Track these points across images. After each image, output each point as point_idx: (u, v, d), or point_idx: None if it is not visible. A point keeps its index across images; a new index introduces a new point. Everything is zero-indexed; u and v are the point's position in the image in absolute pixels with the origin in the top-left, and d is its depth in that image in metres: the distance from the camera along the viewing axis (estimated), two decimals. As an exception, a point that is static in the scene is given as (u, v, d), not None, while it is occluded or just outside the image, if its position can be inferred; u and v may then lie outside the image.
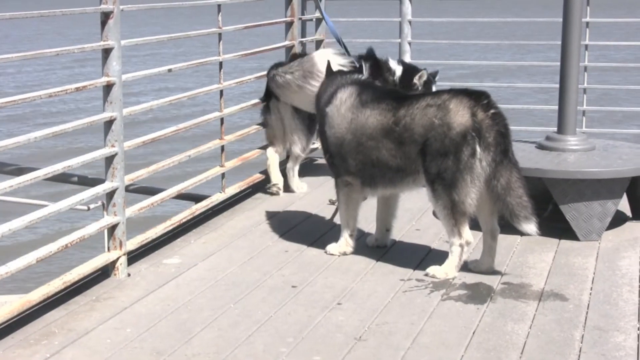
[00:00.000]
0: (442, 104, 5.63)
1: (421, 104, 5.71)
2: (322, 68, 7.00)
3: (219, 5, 7.25)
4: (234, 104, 7.90)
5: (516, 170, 5.61)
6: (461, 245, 5.67)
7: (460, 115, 5.57)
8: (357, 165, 5.99)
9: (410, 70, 7.81)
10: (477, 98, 5.62)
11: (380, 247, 6.25)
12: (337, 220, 6.34)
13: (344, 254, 6.12)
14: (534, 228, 5.56)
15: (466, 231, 5.65)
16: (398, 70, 7.77)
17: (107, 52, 5.64)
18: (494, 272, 5.75)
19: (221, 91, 7.32)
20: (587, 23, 8.88)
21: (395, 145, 5.78)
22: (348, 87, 6.11)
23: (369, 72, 7.63)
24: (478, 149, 5.51)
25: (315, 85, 7.22)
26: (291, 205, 7.44)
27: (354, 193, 6.10)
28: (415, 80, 7.73)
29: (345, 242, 6.15)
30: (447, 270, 5.69)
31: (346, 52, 7.32)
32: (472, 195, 5.56)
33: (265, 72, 7.90)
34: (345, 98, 6.06)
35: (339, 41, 7.41)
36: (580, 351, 4.61)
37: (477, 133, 5.52)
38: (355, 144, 5.95)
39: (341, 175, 6.11)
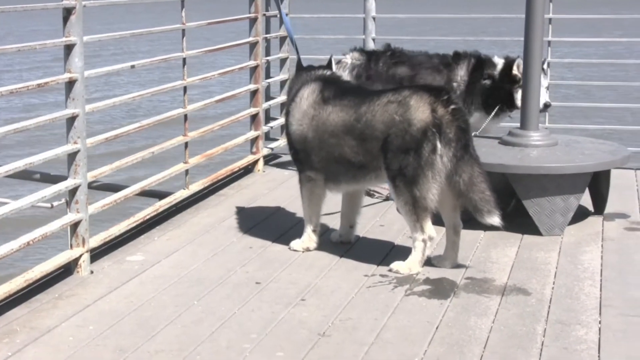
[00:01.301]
0: (403, 101, 5.64)
1: (382, 101, 5.72)
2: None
3: (182, 1, 7.23)
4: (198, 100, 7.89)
5: (477, 165, 5.64)
6: (424, 241, 5.68)
7: (420, 111, 5.58)
8: (320, 162, 6.00)
9: (509, 63, 7.54)
10: (438, 94, 5.64)
11: (344, 243, 6.25)
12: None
13: (308, 249, 6.12)
14: (497, 220, 5.59)
15: (429, 226, 5.67)
16: (500, 64, 7.57)
17: (69, 48, 5.60)
18: (458, 267, 5.78)
19: (185, 87, 7.29)
20: (550, 19, 8.92)
21: (357, 142, 5.79)
22: (311, 83, 6.11)
23: (468, 71, 7.60)
24: (439, 144, 5.53)
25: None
26: (255, 202, 7.43)
27: (317, 189, 6.10)
28: (515, 71, 7.45)
29: (309, 238, 6.15)
30: (410, 265, 5.71)
31: (296, 51, 7.27)
32: (433, 190, 5.57)
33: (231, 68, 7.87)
34: (307, 94, 6.06)
35: (291, 39, 7.38)
36: (542, 345, 4.63)
37: (438, 129, 5.53)
38: (317, 140, 5.96)
39: (304, 170, 6.11)
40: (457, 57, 7.64)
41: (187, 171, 7.27)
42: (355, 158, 5.82)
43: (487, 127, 7.57)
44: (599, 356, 4.51)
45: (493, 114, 7.43)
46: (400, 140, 5.59)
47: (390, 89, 5.88)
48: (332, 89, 6.01)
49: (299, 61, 6.44)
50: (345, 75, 7.47)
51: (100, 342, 4.64)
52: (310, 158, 6.04)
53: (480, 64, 7.60)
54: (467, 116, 5.68)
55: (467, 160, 5.58)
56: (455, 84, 7.50)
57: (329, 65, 6.35)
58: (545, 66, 7.48)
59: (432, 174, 5.55)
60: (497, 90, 7.45)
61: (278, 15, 9.06)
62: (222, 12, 9.09)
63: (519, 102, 7.31)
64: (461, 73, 7.54)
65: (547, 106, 7.45)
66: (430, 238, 5.69)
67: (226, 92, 8.54)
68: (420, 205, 5.59)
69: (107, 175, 6.30)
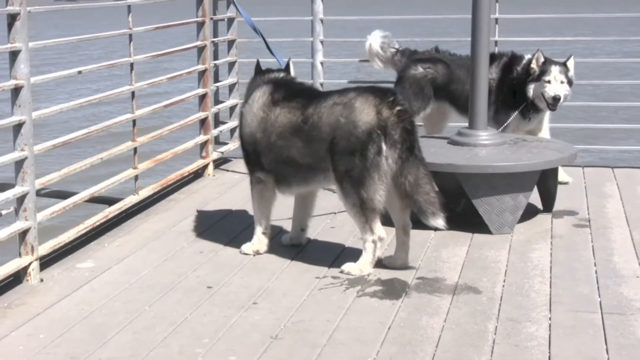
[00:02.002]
0: (348, 103, 5.65)
1: (328, 103, 5.73)
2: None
3: (129, 6, 7.19)
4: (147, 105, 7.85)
5: (423, 167, 5.66)
6: (374, 242, 5.70)
7: (365, 113, 5.59)
8: (270, 164, 6.00)
9: (532, 58, 7.63)
10: (383, 96, 5.65)
11: (295, 246, 6.25)
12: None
13: (258, 252, 6.12)
14: (441, 222, 5.61)
15: (378, 227, 5.68)
16: (525, 59, 7.66)
17: (14, 54, 5.56)
18: (408, 268, 5.80)
19: (133, 92, 7.25)
20: (497, 19, 8.98)
21: (304, 144, 5.80)
22: (263, 86, 6.12)
23: (499, 69, 7.69)
24: (384, 146, 5.55)
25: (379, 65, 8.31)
26: (206, 206, 7.41)
27: (267, 191, 6.10)
28: (533, 65, 7.51)
29: (259, 241, 6.15)
30: (361, 267, 5.72)
31: (265, 44, 7.26)
32: (380, 192, 5.58)
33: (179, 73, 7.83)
34: (258, 97, 6.07)
35: (256, 30, 7.36)
36: (493, 343, 4.66)
37: (383, 131, 5.55)
38: (266, 142, 5.96)
39: (255, 172, 6.11)
40: (492, 57, 7.69)
41: (136, 177, 7.24)
42: (303, 159, 5.83)
43: (521, 127, 7.70)
44: (549, 352, 4.54)
45: (518, 111, 7.54)
46: (346, 143, 5.61)
47: (337, 91, 5.89)
48: (282, 91, 6.01)
49: (257, 64, 6.43)
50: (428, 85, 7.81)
51: (51, 351, 4.60)
52: (260, 160, 6.04)
53: (511, 61, 7.72)
54: (413, 117, 5.69)
55: (413, 162, 5.60)
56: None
57: (287, 69, 6.35)
58: (570, 62, 7.57)
59: (378, 175, 5.56)
60: (520, 86, 7.57)
61: (226, 18, 9.04)
62: (175, 17, 9.05)
63: (530, 94, 7.50)
64: (493, 72, 7.59)
65: (556, 99, 7.46)
66: (380, 239, 5.71)
67: (175, 97, 8.50)
68: (368, 207, 5.60)
69: (56, 182, 6.24)
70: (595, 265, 5.88)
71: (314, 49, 9.19)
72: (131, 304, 5.25)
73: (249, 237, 6.26)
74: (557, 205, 7.14)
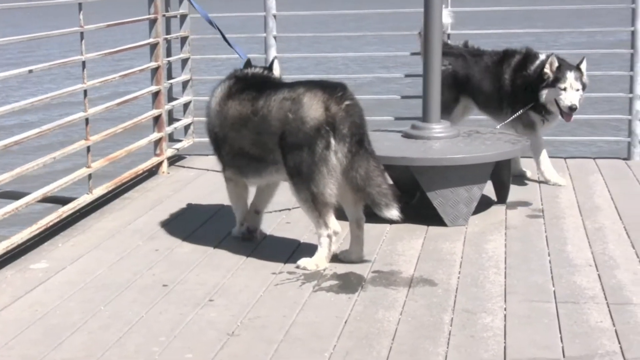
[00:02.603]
0: (297, 98, 5.65)
1: (278, 97, 5.73)
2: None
3: (80, 4, 7.14)
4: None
5: (373, 159, 5.66)
6: (329, 236, 5.70)
7: (313, 109, 5.59)
8: (227, 155, 6.05)
9: (546, 60, 7.51)
10: (332, 91, 5.66)
11: (250, 233, 6.22)
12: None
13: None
14: (396, 213, 5.61)
15: (332, 221, 5.69)
16: (539, 60, 7.58)
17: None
18: (364, 261, 5.81)
19: (85, 91, 7.21)
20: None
21: (254, 136, 5.82)
22: (226, 80, 6.17)
23: (512, 68, 7.64)
24: (332, 141, 5.55)
25: None
26: (160, 204, 7.38)
27: (237, 187, 6.24)
28: (546, 69, 7.38)
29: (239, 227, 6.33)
30: (317, 261, 5.72)
31: (223, 37, 7.23)
32: (330, 186, 5.59)
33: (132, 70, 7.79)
34: (218, 91, 6.12)
35: (212, 24, 7.33)
36: (449, 334, 4.69)
37: (331, 126, 5.55)
38: (222, 135, 6.01)
39: (223, 167, 6.23)
40: (506, 54, 7.74)
41: (90, 175, 7.19)
42: (253, 151, 5.86)
43: (541, 129, 7.69)
44: (504, 342, 4.57)
45: (520, 112, 7.53)
46: (294, 138, 5.61)
47: (289, 84, 5.89)
48: (240, 84, 6.04)
49: (247, 62, 6.41)
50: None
51: (4, 353, 4.56)
52: (221, 153, 6.11)
53: (525, 60, 7.66)
54: (362, 111, 5.69)
55: (363, 155, 5.60)
56: (501, 82, 7.68)
57: (270, 67, 6.36)
58: (583, 65, 7.47)
59: (327, 170, 5.56)
60: (529, 87, 7.54)
61: (178, 15, 9.01)
62: (127, 15, 9.00)
63: (542, 100, 7.44)
64: (507, 70, 7.60)
65: (572, 109, 7.37)
66: (335, 233, 5.72)
67: (128, 95, 8.47)
68: (319, 202, 5.61)
69: (8, 183, 6.19)
70: (549, 255, 5.93)
71: (267, 44, 9.17)
72: (86, 303, 5.22)
73: (204, 234, 6.25)
74: (511, 197, 7.19)
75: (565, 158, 8.72)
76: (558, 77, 7.40)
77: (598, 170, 8.31)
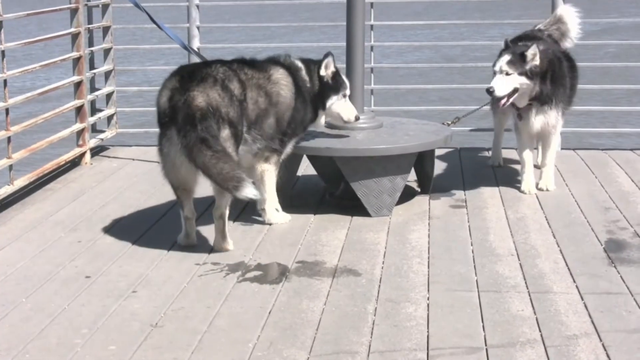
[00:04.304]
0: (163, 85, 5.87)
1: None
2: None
3: (-1, -7, 7.03)
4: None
5: (207, 148, 5.58)
6: (185, 218, 5.94)
7: (161, 95, 5.78)
8: None
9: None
10: (181, 78, 5.78)
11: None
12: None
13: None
14: (248, 192, 5.53)
15: (186, 208, 5.91)
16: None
17: None
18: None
19: (5, 81, 7.10)
20: (372, 4, 9.04)
21: None
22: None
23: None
24: (170, 131, 5.67)
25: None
26: (83, 195, 7.31)
27: None
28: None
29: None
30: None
31: (151, 19, 7.17)
32: (170, 175, 5.81)
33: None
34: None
35: (139, 7, 7.26)
36: (373, 324, 4.72)
37: (170, 116, 5.68)
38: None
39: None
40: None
41: (10, 166, 7.09)
42: None
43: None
44: (427, 332, 4.62)
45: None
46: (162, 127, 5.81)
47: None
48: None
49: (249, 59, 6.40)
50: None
51: None
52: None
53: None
54: (199, 102, 5.65)
55: (199, 147, 5.57)
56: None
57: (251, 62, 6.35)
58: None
59: (164, 160, 5.77)
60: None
61: (100, 4, 8.91)
62: (50, 4, 8.88)
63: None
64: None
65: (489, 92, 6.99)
66: (186, 218, 5.90)
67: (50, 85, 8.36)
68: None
69: None
70: (471, 245, 5.99)
71: (190, 35, 9.10)
72: (7, 296, 5.15)
73: (128, 225, 6.21)
74: (434, 187, 7.24)
75: (488, 149, 8.76)
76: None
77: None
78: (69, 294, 5.17)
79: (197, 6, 9.10)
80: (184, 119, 5.60)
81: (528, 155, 7.27)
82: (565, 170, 7.89)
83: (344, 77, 6.58)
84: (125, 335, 4.60)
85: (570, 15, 7.77)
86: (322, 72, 6.47)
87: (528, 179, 7.28)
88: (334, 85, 6.49)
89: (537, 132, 7.21)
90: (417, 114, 8.62)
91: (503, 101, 6.94)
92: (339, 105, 6.52)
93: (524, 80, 6.91)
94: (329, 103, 6.49)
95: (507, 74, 6.91)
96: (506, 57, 6.95)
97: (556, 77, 7.07)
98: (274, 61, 6.40)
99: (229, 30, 28.12)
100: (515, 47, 7.03)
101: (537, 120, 7.12)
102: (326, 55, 6.48)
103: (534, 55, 6.89)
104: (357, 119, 6.60)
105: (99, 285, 5.33)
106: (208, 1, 9.59)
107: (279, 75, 6.28)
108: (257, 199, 5.80)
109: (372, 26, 9.02)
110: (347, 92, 6.55)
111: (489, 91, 6.92)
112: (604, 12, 24.91)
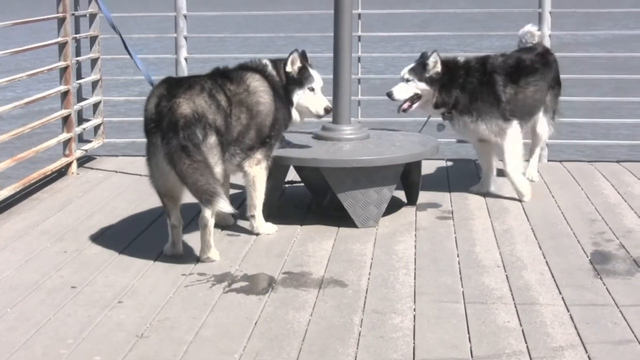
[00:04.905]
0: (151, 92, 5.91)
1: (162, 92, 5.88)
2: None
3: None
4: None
5: (187, 157, 5.58)
6: (172, 226, 5.94)
7: (149, 103, 5.81)
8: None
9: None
10: (169, 87, 5.81)
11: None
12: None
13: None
14: (220, 205, 5.53)
15: (173, 216, 5.92)
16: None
17: None
18: (276, 262, 5.81)
19: (-9, 90, 7.10)
20: (359, 15, 9.06)
21: None
22: None
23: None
24: (155, 138, 5.69)
25: None
26: (69, 205, 7.29)
27: None
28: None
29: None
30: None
31: (124, 44, 7.17)
32: (158, 182, 5.81)
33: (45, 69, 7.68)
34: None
35: (115, 29, 7.27)
36: (359, 335, 4.71)
37: (157, 123, 5.69)
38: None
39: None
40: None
41: (-4, 176, 7.09)
42: None
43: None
44: (414, 343, 4.61)
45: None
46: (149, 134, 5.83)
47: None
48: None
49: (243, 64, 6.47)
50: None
51: None
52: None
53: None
54: (184, 109, 5.66)
55: (179, 154, 5.59)
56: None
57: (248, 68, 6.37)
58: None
59: (152, 168, 5.79)
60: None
61: (87, 14, 8.91)
62: (38, 14, 8.87)
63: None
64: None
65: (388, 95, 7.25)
66: (173, 226, 5.91)
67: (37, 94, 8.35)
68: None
69: None
70: (458, 256, 5.99)
71: (178, 45, 9.11)
72: (-8, 305, 5.14)
73: (114, 236, 6.19)
74: (421, 198, 7.24)
75: (475, 160, 8.74)
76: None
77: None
78: (54, 304, 5.15)
79: (185, 16, 9.10)
80: (167, 126, 5.62)
81: (482, 160, 7.66)
82: (552, 182, 7.91)
83: (311, 71, 6.56)
84: (111, 346, 4.59)
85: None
86: (289, 68, 6.49)
87: (482, 181, 7.67)
88: (298, 80, 6.49)
89: (473, 138, 7.51)
90: (404, 125, 8.60)
91: (405, 106, 7.23)
92: (307, 99, 6.50)
93: (423, 86, 7.19)
94: (295, 98, 6.49)
95: (407, 80, 7.22)
96: (410, 65, 7.28)
97: (473, 89, 7.25)
98: (247, 67, 6.41)
99: (220, 40, 28.12)
100: (425, 58, 7.27)
101: (460, 129, 7.41)
102: (292, 52, 6.51)
103: (435, 63, 7.18)
104: (327, 111, 6.56)
105: (85, 295, 5.31)
106: (196, 11, 9.56)
107: (256, 82, 6.28)
108: (233, 212, 5.81)
109: (359, 37, 9.04)
110: (314, 85, 6.51)
111: (389, 95, 7.25)
112: (599, 23, 24.99)
